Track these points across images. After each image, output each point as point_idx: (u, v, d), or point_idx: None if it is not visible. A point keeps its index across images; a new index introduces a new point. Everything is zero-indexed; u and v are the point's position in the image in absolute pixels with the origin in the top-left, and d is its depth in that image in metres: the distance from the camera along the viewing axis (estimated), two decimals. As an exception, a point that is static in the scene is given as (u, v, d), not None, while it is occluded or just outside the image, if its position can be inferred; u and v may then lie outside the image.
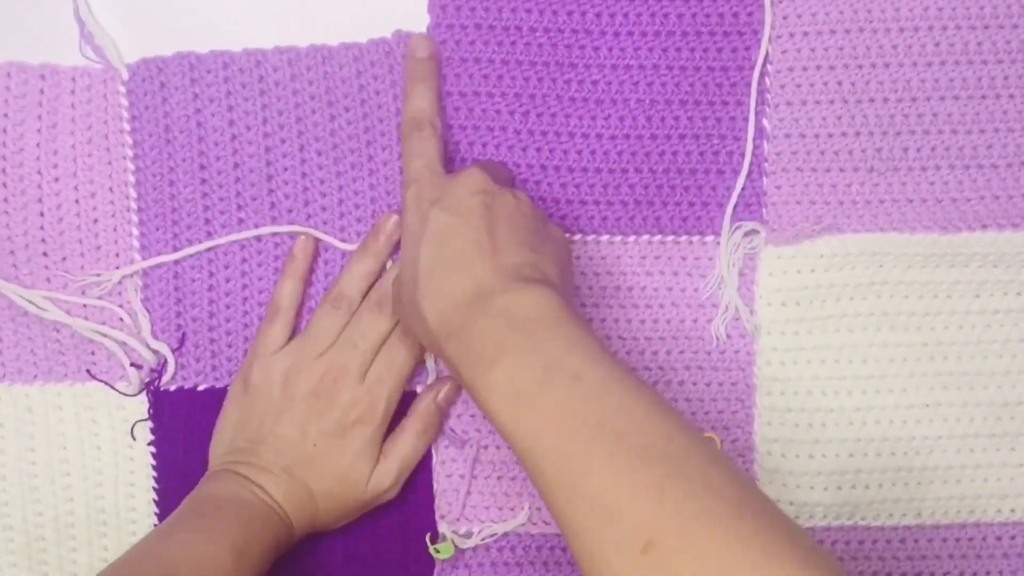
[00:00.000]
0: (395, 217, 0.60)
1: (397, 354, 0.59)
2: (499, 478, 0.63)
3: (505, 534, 0.64)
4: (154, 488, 0.63)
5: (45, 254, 0.61)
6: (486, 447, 0.63)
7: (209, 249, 0.62)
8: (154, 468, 0.62)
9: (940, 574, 0.63)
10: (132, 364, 0.61)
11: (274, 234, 0.62)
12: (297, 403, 0.58)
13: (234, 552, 0.53)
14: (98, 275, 0.61)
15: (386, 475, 0.60)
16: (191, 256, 0.62)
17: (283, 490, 0.58)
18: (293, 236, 0.62)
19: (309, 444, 0.58)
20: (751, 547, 0.40)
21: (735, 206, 0.61)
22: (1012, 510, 0.62)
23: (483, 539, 0.63)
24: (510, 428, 0.46)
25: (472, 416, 0.63)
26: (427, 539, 0.63)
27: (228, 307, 0.62)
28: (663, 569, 0.40)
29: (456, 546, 0.63)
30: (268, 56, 0.61)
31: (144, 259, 0.62)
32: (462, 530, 0.63)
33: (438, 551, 0.62)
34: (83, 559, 0.63)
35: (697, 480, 0.42)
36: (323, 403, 0.58)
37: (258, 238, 0.62)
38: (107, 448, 0.62)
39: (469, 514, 0.63)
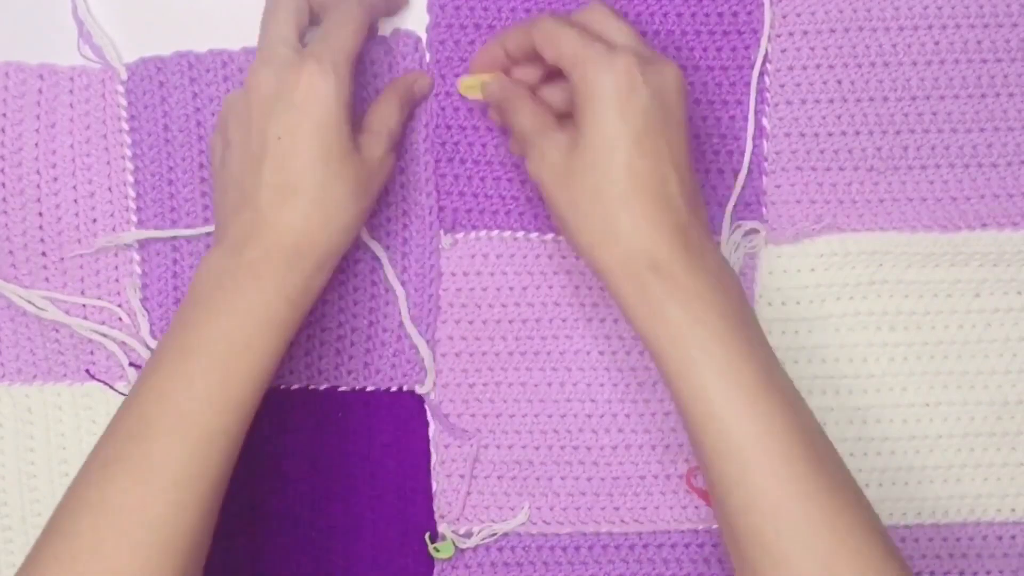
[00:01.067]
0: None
1: (339, 24, 0.53)
2: (499, 478, 0.63)
3: (505, 534, 0.63)
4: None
5: (44, 254, 0.61)
6: (486, 447, 0.63)
7: (208, 233, 0.61)
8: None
9: (940, 573, 0.63)
10: (131, 364, 0.61)
11: None
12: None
13: (225, 357, 0.49)
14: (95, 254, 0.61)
15: (372, 139, 0.55)
16: (190, 256, 0.62)
17: (270, 221, 0.51)
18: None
19: (273, 140, 0.51)
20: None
21: (735, 205, 0.61)
22: (1012, 509, 0.62)
23: (483, 539, 0.63)
24: (722, 408, 0.48)
25: (472, 416, 0.63)
26: (427, 538, 0.63)
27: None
28: None
29: (456, 546, 0.63)
30: None
31: (143, 259, 0.62)
32: (462, 530, 0.63)
33: (438, 551, 0.62)
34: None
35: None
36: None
37: None
38: None
39: (469, 514, 0.63)
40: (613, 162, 0.49)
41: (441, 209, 0.62)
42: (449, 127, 0.61)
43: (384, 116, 0.56)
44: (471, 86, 0.59)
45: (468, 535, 0.63)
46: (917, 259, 0.61)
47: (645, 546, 0.64)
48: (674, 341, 0.49)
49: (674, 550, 0.63)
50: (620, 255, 0.50)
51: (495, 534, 0.63)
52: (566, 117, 0.54)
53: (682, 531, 0.63)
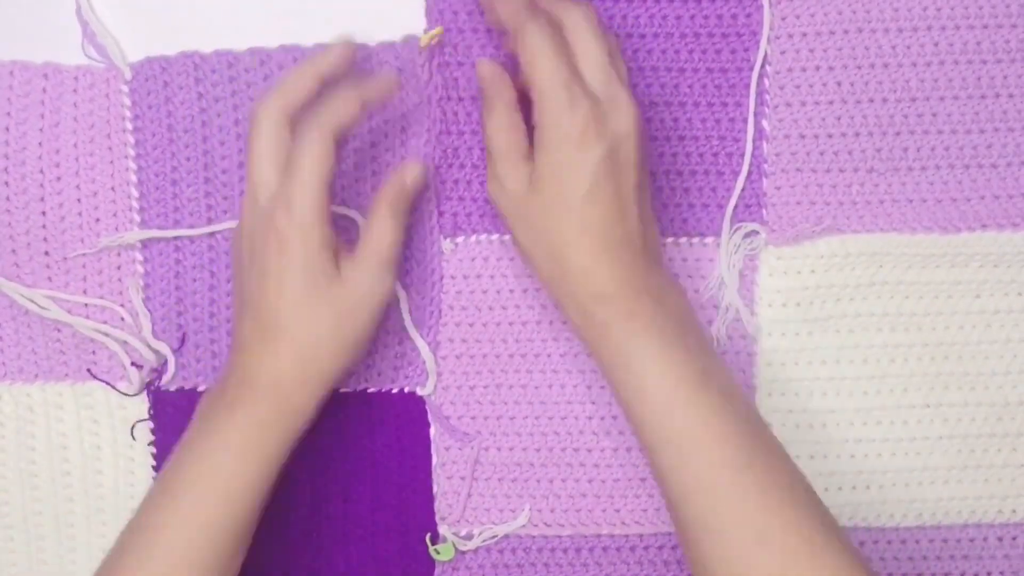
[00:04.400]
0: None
1: (302, 158, 0.53)
2: (500, 480, 0.63)
3: (506, 536, 0.63)
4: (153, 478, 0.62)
5: (46, 253, 0.62)
6: (487, 449, 0.63)
7: (211, 234, 0.62)
8: (154, 469, 0.63)
9: (941, 575, 0.62)
10: (133, 364, 0.61)
11: None
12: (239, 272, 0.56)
13: (221, 481, 0.54)
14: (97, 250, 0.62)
15: (359, 267, 0.55)
16: (192, 256, 0.62)
17: (255, 353, 0.55)
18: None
19: (254, 276, 0.54)
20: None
21: (735, 207, 0.62)
22: (1013, 511, 0.62)
23: (484, 541, 0.63)
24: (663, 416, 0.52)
25: (472, 418, 0.63)
26: (427, 540, 0.63)
27: (229, 308, 0.62)
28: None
29: (456, 548, 0.63)
30: (273, 56, 0.61)
31: (146, 259, 0.62)
32: (463, 532, 0.63)
33: (438, 552, 0.62)
34: (82, 559, 0.63)
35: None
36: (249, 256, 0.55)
37: None
38: (107, 448, 0.62)
39: (470, 516, 0.63)
40: (565, 210, 0.53)
41: (442, 214, 0.62)
42: (450, 132, 0.61)
43: (376, 237, 0.55)
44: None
45: (469, 537, 0.63)
46: (917, 260, 0.61)
47: (646, 548, 0.63)
48: (617, 355, 0.53)
49: (675, 552, 0.63)
50: (569, 289, 0.54)
51: (496, 536, 0.63)
52: None
53: (683, 533, 0.63)
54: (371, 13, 0.61)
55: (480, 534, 0.63)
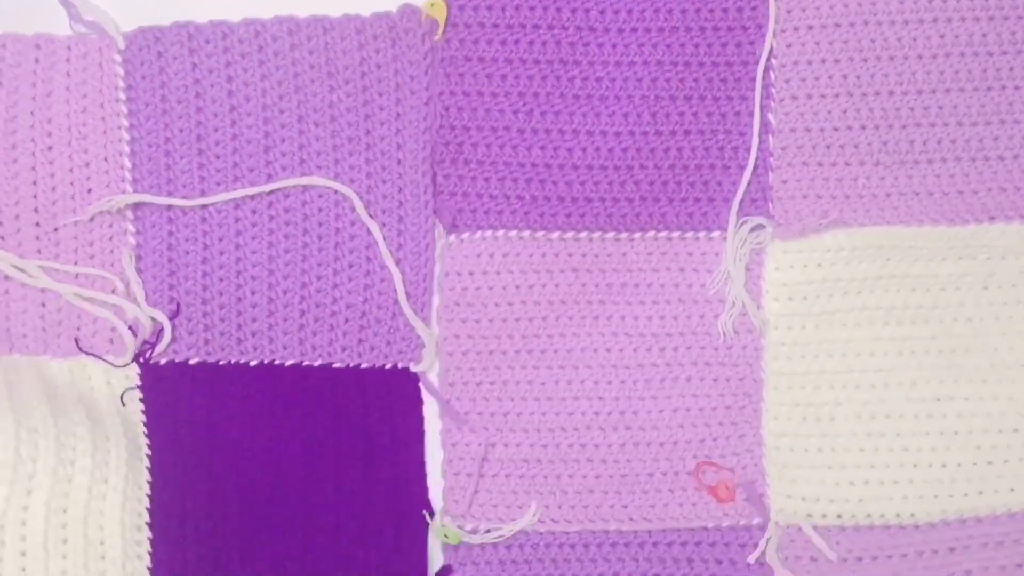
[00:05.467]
0: None
1: None
2: (507, 476, 0.63)
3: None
4: (148, 468, 0.61)
5: (37, 224, 0.61)
6: (494, 445, 0.62)
7: (204, 206, 0.61)
8: (148, 447, 0.61)
9: (961, 572, 0.61)
10: (129, 327, 0.60)
11: (271, 191, 0.61)
12: None
13: None
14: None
15: None
16: (185, 228, 0.61)
17: None
18: (288, 196, 0.61)
19: None
20: None
21: (741, 201, 0.61)
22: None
23: (493, 540, 0.62)
24: None
25: (480, 414, 0.63)
26: (425, 516, 0.62)
27: (222, 280, 0.61)
28: None
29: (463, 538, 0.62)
30: (268, 26, 0.60)
31: (138, 230, 0.61)
32: (468, 527, 0.63)
33: (447, 536, 0.62)
34: None
35: None
36: None
37: (253, 211, 0.61)
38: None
39: (476, 512, 0.63)
40: None
41: (444, 209, 0.61)
42: (453, 127, 0.61)
43: None
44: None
45: (475, 532, 0.62)
46: (924, 253, 0.61)
47: (655, 544, 0.63)
48: None
49: (684, 548, 0.63)
50: None
51: (502, 535, 0.62)
52: None
53: (691, 529, 0.62)
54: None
55: (488, 532, 0.62)
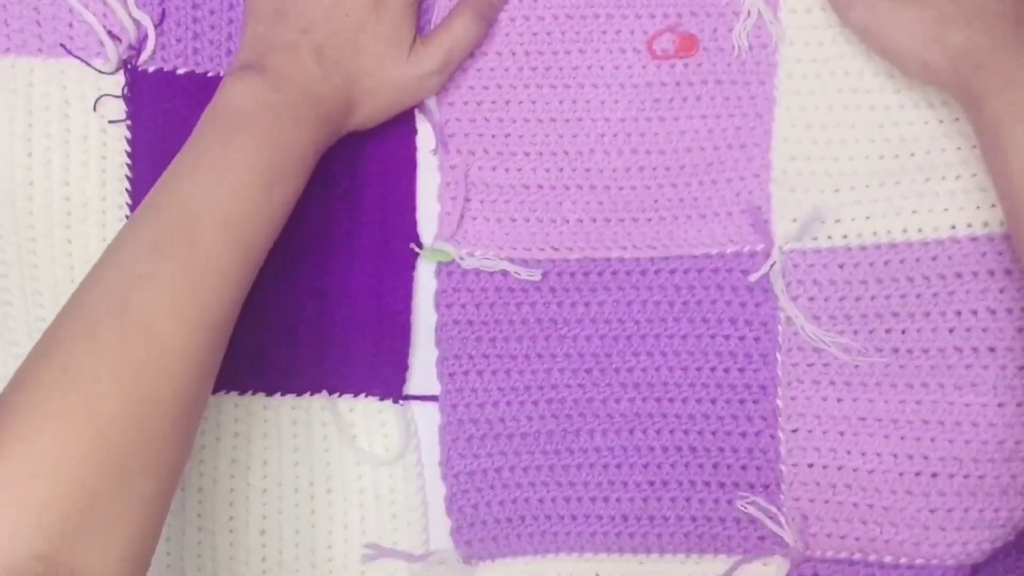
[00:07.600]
0: None
1: None
2: (506, 202, 0.60)
3: (510, 259, 0.59)
4: (127, 177, 0.57)
5: None
6: (494, 168, 0.59)
7: None
8: (128, 155, 0.57)
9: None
10: (110, 34, 0.56)
11: None
12: None
13: (265, 180, 0.50)
14: None
15: (428, 56, 0.56)
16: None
17: (316, 77, 0.53)
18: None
19: (342, 14, 0.53)
20: None
21: None
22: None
23: (485, 265, 0.59)
24: None
25: (479, 135, 0.59)
26: (414, 247, 0.59)
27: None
28: None
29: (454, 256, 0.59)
30: None
31: None
32: (463, 251, 0.59)
33: (440, 255, 0.59)
34: (43, 250, 0.57)
35: None
36: None
37: None
38: (77, 132, 0.57)
39: (472, 239, 0.60)
40: None
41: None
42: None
43: (455, 33, 0.56)
44: None
45: (471, 256, 0.59)
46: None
47: (656, 272, 0.60)
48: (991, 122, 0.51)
49: (686, 276, 0.60)
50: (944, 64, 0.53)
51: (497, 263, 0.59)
52: None
53: (694, 256, 0.60)
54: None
55: (481, 256, 0.59)
